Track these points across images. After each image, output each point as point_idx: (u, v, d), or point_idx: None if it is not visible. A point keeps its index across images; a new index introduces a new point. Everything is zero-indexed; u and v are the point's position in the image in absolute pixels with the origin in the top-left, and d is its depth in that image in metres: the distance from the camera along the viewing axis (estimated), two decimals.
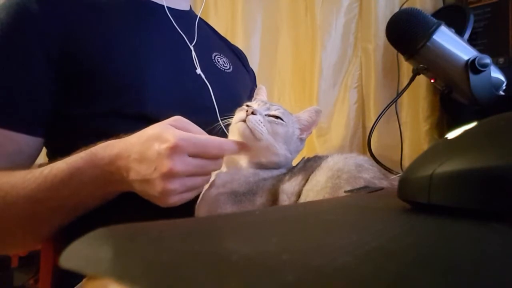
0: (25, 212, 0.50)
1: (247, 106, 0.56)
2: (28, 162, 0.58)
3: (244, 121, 0.51)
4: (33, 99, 0.56)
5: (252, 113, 0.52)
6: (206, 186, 0.54)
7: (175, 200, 0.46)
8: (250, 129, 0.51)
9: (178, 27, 0.71)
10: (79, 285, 0.55)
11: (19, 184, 0.50)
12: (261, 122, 0.52)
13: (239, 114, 0.53)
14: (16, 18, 0.56)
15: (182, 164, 0.44)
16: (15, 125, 0.55)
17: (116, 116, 0.58)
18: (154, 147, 0.44)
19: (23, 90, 0.56)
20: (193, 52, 0.71)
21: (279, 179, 0.51)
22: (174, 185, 0.45)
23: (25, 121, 0.56)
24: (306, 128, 0.58)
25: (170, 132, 0.45)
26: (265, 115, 0.54)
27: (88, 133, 0.57)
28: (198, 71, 0.69)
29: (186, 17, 0.76)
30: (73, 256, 0.15)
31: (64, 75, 0.57)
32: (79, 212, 0.53)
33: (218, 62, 0.77)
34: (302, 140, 0.59)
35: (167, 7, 0.71)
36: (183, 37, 0.71)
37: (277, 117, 0.54)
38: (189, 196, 0.48)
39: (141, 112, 0.58)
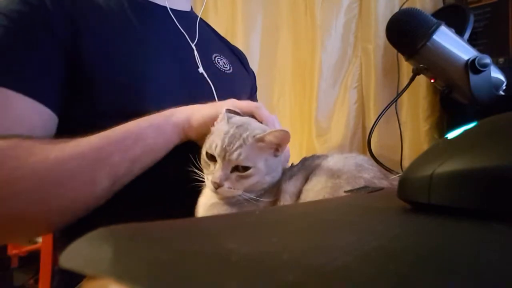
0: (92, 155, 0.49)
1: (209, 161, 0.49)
2: None
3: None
4: (54, 76, 0.55)
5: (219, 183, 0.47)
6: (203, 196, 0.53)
7: None
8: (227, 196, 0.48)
9: (181, 27, 0.71)
10: (79, 285, 0.55)
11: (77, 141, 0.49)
12: (231, 188, 0.47)
13: (208, 183, 0.48)
14: (24, 12, 0.55)
15: None
16: (41, 97, 0.53)
17: (119, 116, 0.58)
18: None
19: (46, 67, 0.54)
20: (195, 51, 0.71)
21: (279, 179, 0.51)
22: None
23: (49, 94, 0.54)
24: (276, 147, 0.50)
25: None
26: (231, 171, 0.47)
27: (90, 133, 0.57)
28: (201, 69, 0.69)
29: (187, 17, 0.76)
30: (73, 256, 0.15)
31: (70, 69, 0.57)
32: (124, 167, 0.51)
33: (218, 63, 0.77)
34: (279, 156, 0.51)
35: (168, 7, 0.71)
36: (185, 37, 0.71)
37: (247, 167, 0.47)
38: None
39: (144, 112, 0.58)
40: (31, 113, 0.52)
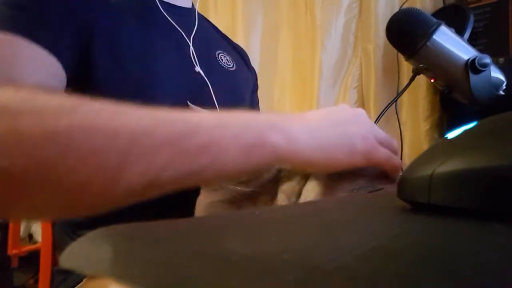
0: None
1: None
2: None
3: None
4: (68, 44, 0.53)
5: None
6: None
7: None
8: None
9: (177, 23, 0.69)
10: (79, 285, 0.55)
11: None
12: None
13: None
14: None
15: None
16: (58, 55, 0.50)
17: None
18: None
19: (62, 31, 0.53)
20: (191, 48, 0.70)
21: (276, 177, 0.51)
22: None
23: (65, 55, 0.51)
24: None
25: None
26: None
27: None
28: (197, 68, 0.68)
29: (187, 14, 0.75)
30: (73, 256, 0.15)
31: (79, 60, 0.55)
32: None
33: (222, 60, 0.75)
34: None
35: (164, 2, 0.69)
36: (182, 34, 0.70)
37: None
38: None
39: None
40: (45, 64, 0.49)
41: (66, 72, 0.52)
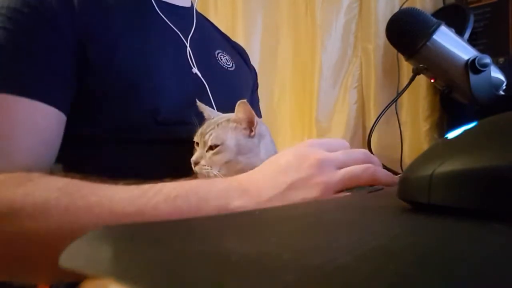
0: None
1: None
2: (57, 143, 0.54)
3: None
4: (59, 74, 0.54)
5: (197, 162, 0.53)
6: None
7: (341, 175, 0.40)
8: (205, 175, 0.52)
9: (174, 23, 0.68)
10: (79, 285, 0.55)
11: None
12: (205, 166, 0.52)
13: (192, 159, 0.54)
14: (24, 12, 0.52)
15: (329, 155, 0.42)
16: (45, 97, 0.51)
17: (121, 127, 0.57)
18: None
19: (50, 64, 0.53)
20: (188, 49, 0.68)
21: None
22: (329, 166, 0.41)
23: (54, 93, 0.52)
24: (249, 124, 0.55)
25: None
26: (206, 150, 0.53)
27: (99, 158, 0.57)
28: (194, 70, 0.67)
29: (185, 13, 0.74)
30: (73, 256, 0.15)
31: (77, 69, 0.56)
32: None
33: (221, 60, 0.75)
34: (255, 136, 0.55)
35: (162, 1, 0.69)
36: (179, 35, 0.69)
37: (216, 145, 0.53)
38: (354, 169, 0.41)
39: (153, 118, 0.58)
40: (33, 114, 0.50)
41: (64, 110, 0.53)
